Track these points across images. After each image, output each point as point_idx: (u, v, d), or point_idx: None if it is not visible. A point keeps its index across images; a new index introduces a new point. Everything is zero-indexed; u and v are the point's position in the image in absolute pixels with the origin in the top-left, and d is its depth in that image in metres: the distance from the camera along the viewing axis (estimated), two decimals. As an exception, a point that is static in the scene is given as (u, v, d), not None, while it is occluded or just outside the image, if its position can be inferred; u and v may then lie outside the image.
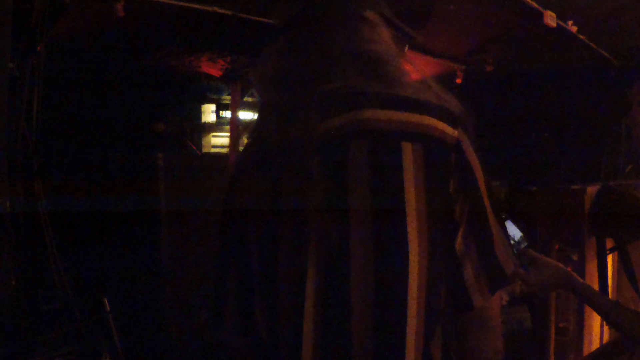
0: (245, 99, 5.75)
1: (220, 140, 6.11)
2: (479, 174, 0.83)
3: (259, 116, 0.94)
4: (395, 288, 0.76)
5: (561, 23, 4.03)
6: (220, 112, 6.36)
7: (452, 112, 0.83)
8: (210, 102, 6.28)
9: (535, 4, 3.76)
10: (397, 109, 0.81)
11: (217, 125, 6.16)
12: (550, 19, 3.86)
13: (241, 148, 0.94)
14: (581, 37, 4.38)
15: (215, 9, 3.61)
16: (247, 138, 0.93)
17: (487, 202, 0.83)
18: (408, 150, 0.78)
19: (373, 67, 0.86)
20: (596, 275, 1.70)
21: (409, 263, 0.76)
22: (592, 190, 1.78)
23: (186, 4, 3.50)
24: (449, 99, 0.86)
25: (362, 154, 0.79)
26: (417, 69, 0.94)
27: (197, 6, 3.54)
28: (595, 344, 1.77)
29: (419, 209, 0.77)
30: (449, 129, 0.81)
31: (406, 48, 0.98)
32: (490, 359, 0.86)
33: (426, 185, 0.78)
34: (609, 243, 1.77)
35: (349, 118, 0.81)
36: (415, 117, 0.80)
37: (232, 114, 5.68)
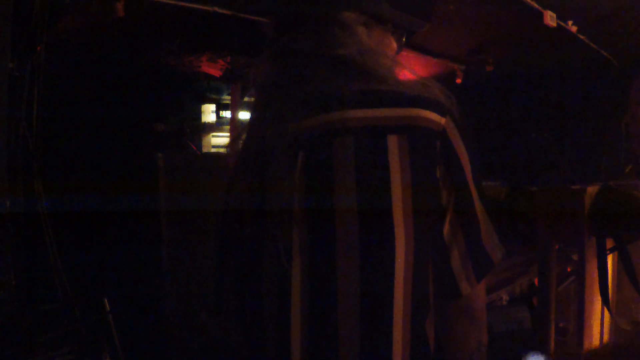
0: (245, 99, 5.74)
1: (220, 140, 6.11)
2: (465, 162, 0.83)
3: (250, 117, 0.95)
4: (381, 279, 0.77)
5: (561, 23, 4.03)
6: (220, 112, 6.36)
7: (439, 101, 0.83)
8: (210, 102, 6.29)
9: (535, 4, 3.76)
10: (380, 105, 0.82)
11: (217, 125, 6.17)
12: (550, 19, 3.86)
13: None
14: (581, 37, 4.38)
15: (215, 9, 3.61)
16: (242, 137, 0.95)
17: (473, 190, 0.83)
18: (394, 143, 0.78)
19: (349, 69, 0.86)
20: (596, 275, 1.70)
21: (395, 253, 0.76)
22: (592, 190, 1.78)
23: (186, 4, 3.50)
24: (435, 89, 0.86)
25: (346, 150, 0.79)
26: (405, 66, 0.94)
27: (197, 6, 3.54)
28: (596, 344, 1.77)
29: (405, 199, 0.77)
30: (435, 117, 0.81)
31: (402, 41, 0.98)
32: (474, 350, 0.86)
33: (412, 174, 0.78)
34: (609, 243, 1.77)
35: (333, 117, 0.82)
36: (400, 112, 0.81)
37: (232, 114, 5.68)
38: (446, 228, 0.81)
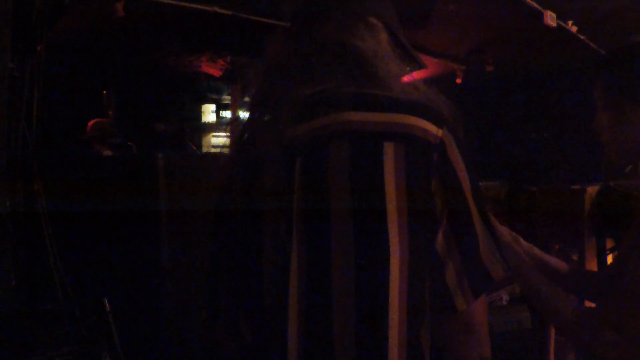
0: (246, 99, 5.75)
1: (220, 140, 6.12)
2: (463, 174, 0.81)
3: (249, 115, 0.95)
4: (376, 287, 0.76)
5: (561, 23, 4.04)
6: (220, 112, 6.37)
7: (437, 112, 0.82)
8: (210, 102, 6.29)
9: (535, 4, 3.76)
10: (378, 109, 0.81)
11: (217, 125, 6.18)
12: (550, 19, 3.87)
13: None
14: (581, 37, 4.39)
15: (215, 9, 3.61)
16: (238, 137, 0.95)
17: (471, 204, 0.81)
18: (390, 150, 0.77)
19: (359, 65, 0.87)
20: (596, 275, 1.70)
21: (389, 262, 0.75)
22: (592, 190, 1.78)
23: (186, 4, 3.50)
24: (436, 99, 0.86)
25: (342, 155, 0.79)
26: (414, 77, 0.94)
27: (197, 6, 3.55)
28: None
29: (399, 209, 0.76)
30: (432, 128, 0.80)
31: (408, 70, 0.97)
32: None
33: (407, 184, 0.77)
34: (609, 243, 1.77)
35: (329, 120, 0.81)
36: (397, 117, 0.80)
37: (232, 114, 5.69)
38: (439, 240, 0.80)
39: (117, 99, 5.05)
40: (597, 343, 1.07)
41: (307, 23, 0.93)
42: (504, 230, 1.28)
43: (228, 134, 1.01)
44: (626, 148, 1.20)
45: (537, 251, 1.37)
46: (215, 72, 5.42)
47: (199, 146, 5.96)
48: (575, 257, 1.83)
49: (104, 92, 4.66)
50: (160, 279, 2.50)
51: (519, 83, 6.23)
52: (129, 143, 4.02)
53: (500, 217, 2.10)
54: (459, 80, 5.59)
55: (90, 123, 4.01)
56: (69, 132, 4.06)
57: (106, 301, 2.23)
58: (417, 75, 0.97)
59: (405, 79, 0.93)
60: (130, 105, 5.26)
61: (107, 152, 3.90)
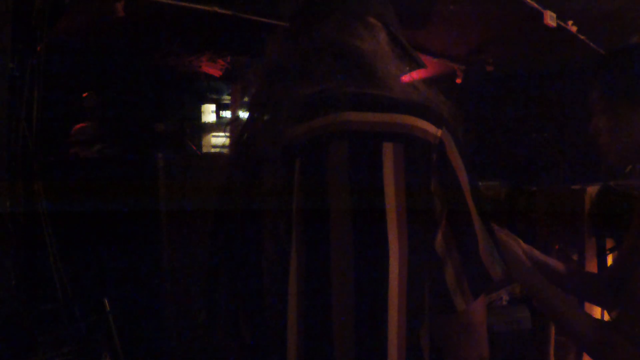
0: (246, 99, 5.76)
1: (220, 140, 6.12)
2: (462, 174, 0.81)
3: (249, 115, 0.95)
4: (375, 288, 0.76)
5: (561, 23, 4.04)
6: (220, 112, 6.37)
7: (436, 112, 0.82)
8: (210, 102, 6.30)
9: (535, 4, 3.77)
10: (377, 110, 0.81)
11: (217, 125, 6.18)
12: (550, 19, 3.87)
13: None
14: (581, 37, 4.39)
15: (215, 9, 3.62)
16: (238, 137, 0.95)
17: (471, 204, 0.81)
18: (389, 151, 0.77)
19: (358, 65, 0.87)
20: (596, 275, 1.70)
21: (389, 262, 0.75)
22: (592, 190, 1.78)
23: (186, 4, 3.50)
24: (435, 99, 0.86)
25: (341, 155, 0.79)
26: (413, 77, 0.94)
27: (197, 6, 3.55)
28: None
29: (399, 209, 0.76)
30: (432, 129, 0.80)
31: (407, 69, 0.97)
32: None
33: (406, 184, 0.77)
34: (609, 243, 1.78)
35: (328, 120, 0.81)
36: (396, 118, 0.80)
37: (232, 114, 5.70)
38: (439, 241, 0.79)
39: (116, 99, 5.05)
40: (605, 348, 1.07)
41: (307, 23, 0.93)
42: (503, 232, 1.28)
43: (228, 134, 1.00)
44: (624, 150, 1.20)
45: (536, 253, 1.37)
46: (215, 72, 5.42)
47: (199, 146, 5.95)
48: (575, 257, 1.83)
49: (84, 94, 4.60)
50: (160, 279, 2.50)
51: (519, 83, 6.24)
52: (106, 150, 4.02)
53: (500, 217, 2.10)
54: (459, 80, 5.58)
55: (75, 127, 4.02)
56: (68, 132, 4.06)
57: (106, 301, 2.23)
58: (416, 75, 0.97)
59: (405, 79, 0.93)
60: (130, 105, 5.27)
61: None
